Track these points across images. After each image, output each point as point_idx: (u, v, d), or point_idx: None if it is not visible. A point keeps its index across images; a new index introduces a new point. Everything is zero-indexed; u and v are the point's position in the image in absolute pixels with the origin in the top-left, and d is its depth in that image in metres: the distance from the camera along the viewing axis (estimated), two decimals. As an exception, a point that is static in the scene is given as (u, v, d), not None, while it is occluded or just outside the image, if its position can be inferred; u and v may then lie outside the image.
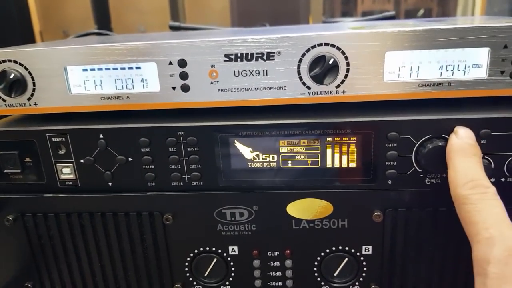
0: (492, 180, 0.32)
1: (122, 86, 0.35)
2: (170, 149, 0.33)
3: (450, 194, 0.29)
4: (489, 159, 0.31)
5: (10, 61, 0.34)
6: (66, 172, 0.35)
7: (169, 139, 0.33)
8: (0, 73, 0.34)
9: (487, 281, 0.24)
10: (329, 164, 0.33)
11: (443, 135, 0.31)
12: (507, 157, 0.31)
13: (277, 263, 0.36)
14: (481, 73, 0.31)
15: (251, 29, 0.66)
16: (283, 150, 0.33)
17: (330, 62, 0.31)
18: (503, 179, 0.32)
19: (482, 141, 0.31)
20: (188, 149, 0.33)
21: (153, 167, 0.34)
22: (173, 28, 0.60)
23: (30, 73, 0.34)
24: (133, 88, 0.35)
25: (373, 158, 0.32)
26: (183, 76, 0.33)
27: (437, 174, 0.32)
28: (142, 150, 0.33)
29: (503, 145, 0.31)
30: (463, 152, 0.28)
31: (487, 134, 0.30)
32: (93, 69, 0.34)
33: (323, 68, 0.32)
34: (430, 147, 0.30)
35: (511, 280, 0.23)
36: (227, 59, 0.33)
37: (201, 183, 0.34)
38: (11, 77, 0.34)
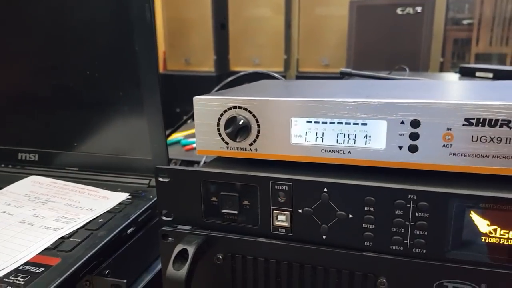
0: None
1: (344, 140, 0.35)
2: (396, 212, 0.32)
3: None
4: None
5: (240, 108, 0.37)
6: (281, 219, 0.35)
7: (398, 202, 0.32)
8: (230, 118, 0.37)
9: None
10: None
11: None
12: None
13: None
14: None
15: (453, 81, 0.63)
16: (529, 228, 0.30)
17: None
18: None
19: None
20: (417, 214, 0.32)
21: (373, 227, 0.33)
22: (343, 74, 0.60)
23: (257, 121, 0.36)
24: (354, 143, 0.35)
25: None
26: (414, 136, 0.33)
27: None
28: (366, 208, 0.33)
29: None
30: None
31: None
32: (317, 122, 0.35)
33: None
34: None
35: None
36: (467, 124, 0.31)
37: (424, 250, 0.32)
38: (240, 123, 0.36)
